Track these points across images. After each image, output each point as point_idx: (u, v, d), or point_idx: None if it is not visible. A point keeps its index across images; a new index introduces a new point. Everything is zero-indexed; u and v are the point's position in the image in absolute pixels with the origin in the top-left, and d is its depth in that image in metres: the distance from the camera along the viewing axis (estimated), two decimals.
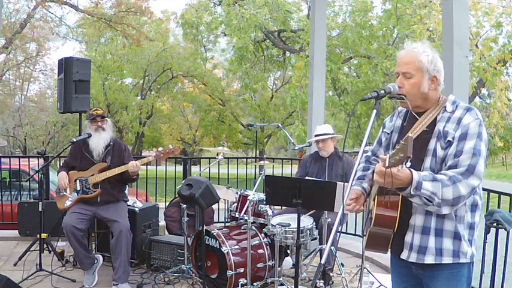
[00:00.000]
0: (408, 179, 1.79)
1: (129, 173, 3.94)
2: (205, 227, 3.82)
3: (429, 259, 1.96)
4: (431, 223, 1.95)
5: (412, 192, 1.82)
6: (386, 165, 1.74)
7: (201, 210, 3.78)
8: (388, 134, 2.22)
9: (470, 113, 1.95)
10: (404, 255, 2.02)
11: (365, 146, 1.97)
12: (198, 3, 17.73)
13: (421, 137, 2.00)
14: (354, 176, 2.06)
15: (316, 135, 4.47)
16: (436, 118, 2.01)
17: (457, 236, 1.94)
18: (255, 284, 3.77)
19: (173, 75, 20.73)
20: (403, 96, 2.01)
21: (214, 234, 3.81)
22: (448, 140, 1.93)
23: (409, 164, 1.75)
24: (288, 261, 4.06)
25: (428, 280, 2.03)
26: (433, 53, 2.02)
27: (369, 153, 2.38)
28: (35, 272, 4.14)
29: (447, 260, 1.95)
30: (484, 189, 2.25)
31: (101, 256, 4.25)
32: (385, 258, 4.72)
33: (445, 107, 2.01)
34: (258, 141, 20.83)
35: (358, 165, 2.08)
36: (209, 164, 5.57)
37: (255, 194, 3.94)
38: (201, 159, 7.24)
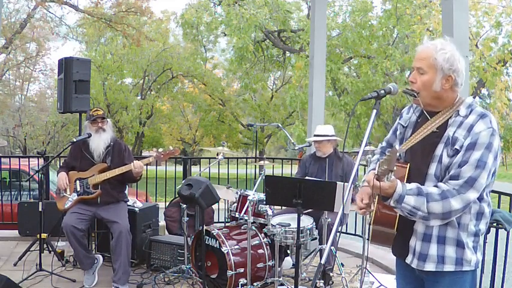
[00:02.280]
0: (392, 189, 1.80)
1: (131, 173, 3.93)
2: (205, 227, 3.82)
3: (430, 266, 1.93)
4: (433, 230, 1.92)
5: (392, 204, 1.83)
6: (376, 173, 1.75)
7: (201, 210, 3.78)
8: (403, 127, 2.15)
9: (484, 120, 1.86)
10: (408, 260, 2.00)
11: (365, 146, 1.97)
12: (198, 3, 17.74)
13: (429, 140, 1.95)
14: (357, 171, 2.06)
15: (314, 135, 4.48)
16: (447, 121, 1.94)
17: (460, 244, 1.90)
18: (255, 284, 3.77)
19: (173, 75, 20.74)
20: (415, 94, 1.95)
21: (214, 234, 3.81)
22: (456, 148, 1.86)
23: (393, 177, 1.75)
24: (288, 261, 4.06)
25: (430, 284, 2.01)
26: (452, 51, 1.92)
27: (384, 144, 2.31)
28: (35, 272, 4.13)
29: (449, 267, 1.91)
30: None
31: (100, 256, 4.25)
32: (385, 258, 4.72)
33: (459, 110, 1.93)
34: (258, 141, 20.82)
35: (366, 158, 2.08)
36: (209, 164, 5.57)
37: (255, 194, 3.94)
38: (201, 159, 7.24)
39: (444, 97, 1.95)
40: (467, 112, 1.91)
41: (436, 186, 1.87)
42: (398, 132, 2.19)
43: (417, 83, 1.95)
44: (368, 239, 2.10)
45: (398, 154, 1.77)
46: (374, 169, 2.26)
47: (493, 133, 1.85)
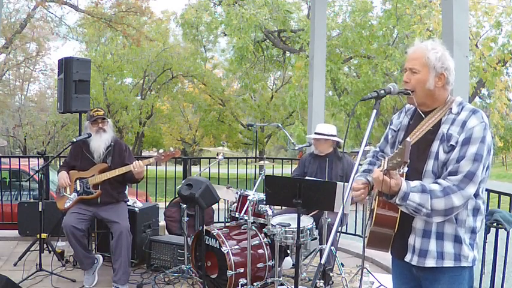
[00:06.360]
0: (398, 187, 1.83)
1: (131, 174, 3.93)
2: (205, 227, 3.82)
3: (430, 262, 1.96)
4: (432, 226, 1.95)
5: (397, 202, 1.86)
6: (385, 168, 1.76)
7: (201, 210, 3.78)
8: (394, 131, 2.21)
9: (476, 115, 1.92)
10: (407, 258, 2.02)
11: (365, 146, 1.97)
12: (198, 3, 17.72)
13: (424, 137, 1.99)
14: (356, 172, 2.07)
15: (315, 133, 4.49)
16: (441, 120, 1.99)
17: (457, 240, 1.94)
18: (255, 284, 3.77)
19: (173, 75, 20.74)
20: (410, 92, 2.01)
21: (214, 234, 3.81)
22: (451, 144, 1.91)
23: (406, 168, 1.76)
24: (288, 261, 4.06)
25: (428, 283, 2.02)
26: (443, 51, 2.00)
27: (377, 149, 2.38)
28: (35, 272, 4.14)
29: (448, 263, 1.95)
30: None
31: (101, 256, 4.25)
32: (385, 258, 4.71)
33: (451, 108, 1.99)
34: (258, 141, 20.82)
35: (360, 161, 2.08)
36: (209, 164, 5.57)
37: (255, 194, 3.94)
38: (201, 159, 7.24)
39: (437, 95, 2.02)
40: (459, 109, 1.98)
41: (436, 182, 1.90)
42: (390, 137, 2.25)
43: (411, 82, 2.02)
44: (364, 243, 2.10)
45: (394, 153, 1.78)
46: (367, 171, 2.28)
47: (485, 127, 1.91)
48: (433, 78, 1.98)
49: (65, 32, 18.32)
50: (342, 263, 4.24)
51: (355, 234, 5.78)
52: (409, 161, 1.70)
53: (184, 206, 4.22)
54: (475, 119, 1.92)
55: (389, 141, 2.25)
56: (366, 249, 2.14)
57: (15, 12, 17.58)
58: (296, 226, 3.17)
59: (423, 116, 2.04)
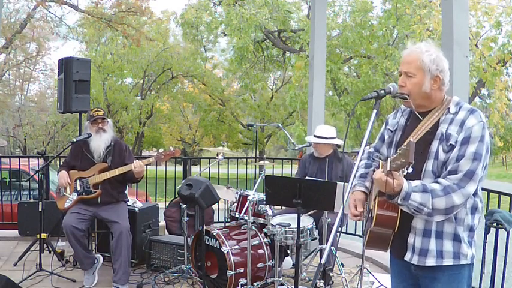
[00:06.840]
0: (400, 188, 1.83)
1: (132, 173, 3.93)
2: (205, 227, 3.82)
3: (430, 261, 1.97)
4: (432, 226, 1.96)
5: (399, 202, 1.86)
6: (388, 169, 1.76)
7: (201, 210, 3.78)
8: (391, 131, 2.21)
9: (474, 115, 1.93)
10: (407, 257, 2.03)
11: (365, 146, 1.97)
12: (198, 3, 17.72)
13: (423, 138, 2.00)
14: (356, 173, 2.07)
15: (314, 135, 4.47)
16: (439, 120, 2.00)
17: (456, 238, 1.95)
18: (255, 284, 3.77)
19: (173, 75, 20.74)
20: (406, 96, 2.01)
21: (214, 234, 3.81)
22: (451, 144, 1.92)
23: (411, 169, 1.76)
24: (288, 261, 4.06)
25: (428, 281, 2.03)
26: (437, 52, 2.00)
27: (371, 150, 2.37)
28: (35, 272, 4.14)
29: (448, 261, 1.96)
30: (484, 189, 2.26)
31: (101, 256, 4.25)
32: (385, 258, 4.71)
33: (449, 108, 2.00)
34: (258, 141, 20.83)
35: (360, 161, 2.08)
36: (209, 164, 5.57)
37: (255, 194, 3.94)
38: (201, 159, 7.24)
39: (433, 97, 2.03)
40: (457, 109, 1.99)
41: (437, 182, 1.91)
42: (386, 137, 2.24)
43: (407, 86, 2.02)
44: (363, 244, 2.10)
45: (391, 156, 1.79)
46: (364, 175, 2.26)
47: (484, 126, 1.92)
48: (428, 81, 1.99)
49: (65, 32, 18.35)
50: (342, 263, 4.24)
51: (355, 234, 5.78)
52: (413, 161, 1.70)
53: (184, 206, 4.22)
54: (473, 118, 1.93)
55: (385, 141, 2.25)
56: (365, 249, 2.15)
57: (15, 12, 17.59)
58: (296, 226, 3.17)
59: (420, 117, 2.04)
